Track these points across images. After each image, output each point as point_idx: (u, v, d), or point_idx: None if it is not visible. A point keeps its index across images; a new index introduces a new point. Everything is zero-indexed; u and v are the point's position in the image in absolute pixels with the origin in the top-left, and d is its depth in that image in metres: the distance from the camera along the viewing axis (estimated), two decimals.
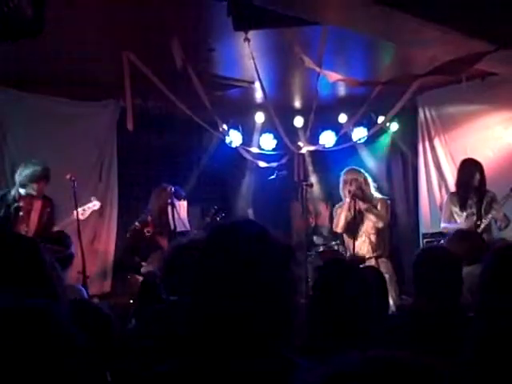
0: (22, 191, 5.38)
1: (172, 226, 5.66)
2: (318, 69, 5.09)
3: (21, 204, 5.40)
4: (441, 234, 6.58)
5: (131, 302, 5.27)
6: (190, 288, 1.41)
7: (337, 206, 6.15)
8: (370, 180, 5.96)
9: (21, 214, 5.40)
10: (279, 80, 6.73)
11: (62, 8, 3.86)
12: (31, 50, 4.64)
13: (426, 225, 7.47)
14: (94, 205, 5.88)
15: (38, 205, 5.49)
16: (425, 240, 6.94)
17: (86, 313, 1.53)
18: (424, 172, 7.57)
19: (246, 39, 4.85)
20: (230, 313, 1.33)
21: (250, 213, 7.54)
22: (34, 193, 5.39)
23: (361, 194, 5.77)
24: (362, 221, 5.87)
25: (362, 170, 6.04)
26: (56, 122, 6.52)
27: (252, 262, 1.35)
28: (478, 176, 5.69)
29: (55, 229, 5.56)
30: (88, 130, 6.87)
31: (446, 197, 6.52)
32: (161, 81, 5.19)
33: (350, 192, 5.75)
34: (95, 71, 5.84)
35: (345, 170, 6.02)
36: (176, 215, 5.70)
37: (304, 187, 5.87)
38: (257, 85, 6.02)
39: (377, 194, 5.99)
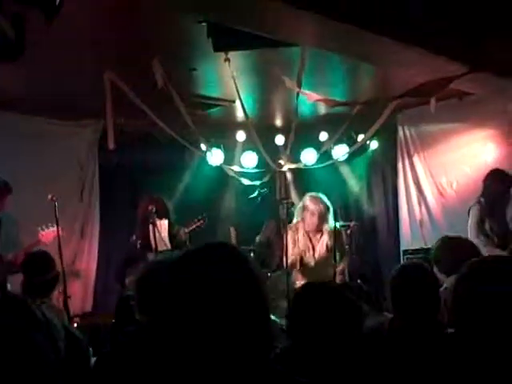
0: None
1: (153, 245, 5.65)
2: (297, 89, 5.16)
3: None
4: (422, 251, 6.64)
5: (113, 321, 5.22)
6: (160, 311, 1.41)
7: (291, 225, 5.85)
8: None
9: None
10: (260, 99, 6.79)
11: (42, 30, 3.88)
12: (12, 71, 4.64)
13: (407, 241, 7.54)
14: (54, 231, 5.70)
15: None
16: (405, 257, 6.99)
17: None
18: (404, 189, 7.66)
19: (227, 59, 4.92)
20: (203, 336, 1.33)
21: (233, 231, 7.55)
22: None
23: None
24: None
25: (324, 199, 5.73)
26: (36, 141, 6.51)
27: (223, 283, 1.35)
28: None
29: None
30: (69, 150, 6.87)
31: (424, 213, 6.51)
32: (142, 100, 5.22)
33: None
34: (76, 91, 5.85)
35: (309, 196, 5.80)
36: (157, 234, 5.69)
37: (285, 205, 5.89)
38: (238, 104, 6.06)
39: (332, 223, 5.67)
